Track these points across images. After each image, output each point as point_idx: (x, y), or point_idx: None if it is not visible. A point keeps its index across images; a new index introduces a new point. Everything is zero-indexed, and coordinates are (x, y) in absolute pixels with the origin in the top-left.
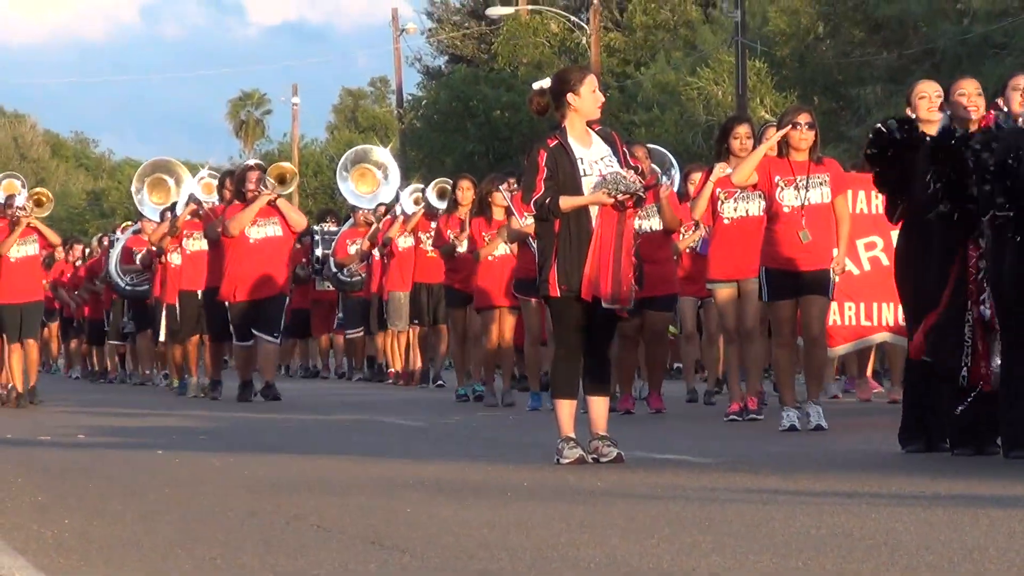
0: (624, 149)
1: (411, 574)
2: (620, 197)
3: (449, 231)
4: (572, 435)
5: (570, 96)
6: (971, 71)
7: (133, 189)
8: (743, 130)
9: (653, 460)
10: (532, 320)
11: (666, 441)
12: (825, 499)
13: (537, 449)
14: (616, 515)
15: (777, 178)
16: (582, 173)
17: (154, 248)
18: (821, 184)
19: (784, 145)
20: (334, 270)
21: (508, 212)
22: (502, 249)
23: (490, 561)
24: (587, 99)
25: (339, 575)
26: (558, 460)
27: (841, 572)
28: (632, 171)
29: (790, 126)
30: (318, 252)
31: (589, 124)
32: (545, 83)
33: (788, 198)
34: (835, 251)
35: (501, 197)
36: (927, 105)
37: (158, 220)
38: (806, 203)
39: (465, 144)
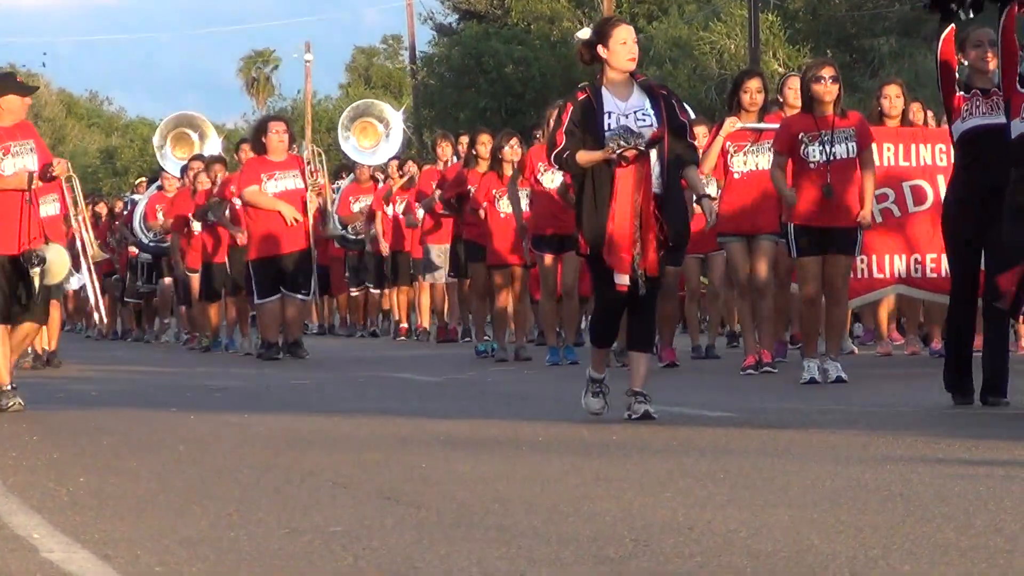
0: (672, 102)
1: (427, 529)
2: (618, 152)
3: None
4: (600, 375)
5: (600, 48)
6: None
7: (156, 143)
8: (754, 84)
9: (667, 413)
10: (548, 276)
11: (680, 394)
12: (839, 452)
13: (552, 403)
14: (631, 468)
15: (802, 134)
16: (607, 127)
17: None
18: (847, 138)
19: (809, 99)
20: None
21: (520, 167)
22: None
23: (505, 516)
24: (617, 51)
25: (355, 531)
26: (583, 397)
27: (857, 524)
28: (644, 124)
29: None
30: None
31: (634, 76)
32: (586, 33)
33: (814, 153)
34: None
35: (512, 152)
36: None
37: (179, 175)
38: (832, 158)
39: (478, 100)
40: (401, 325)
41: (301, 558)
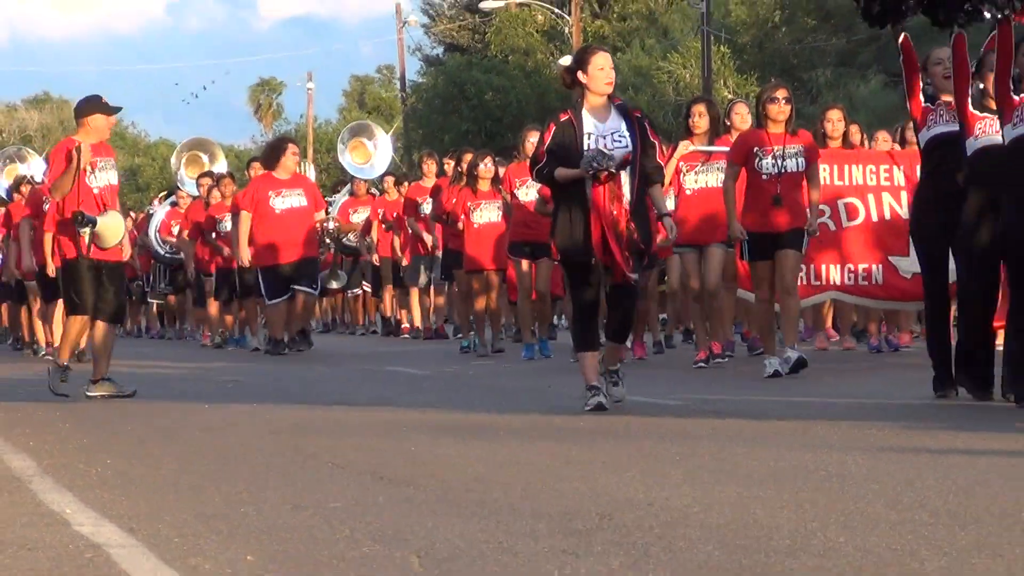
0: (644, 124)
1: (415, 505)
2: (591, 172)
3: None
4: (595, 383)
5: (580, 74)
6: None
7: (173, 164)
8: (697, 108)
9: (630, 402)
10: (524, 279)
11: (641, 385)
12: (782, 437)
13: (527, 394)
14: (598, 452)
15: (756, 148)
16: (586, 147)
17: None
18: (796, 154)
19: (764, 118)
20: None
21: (494, 183)
22: (487, 217)
23: (485, 493)
24: (595, 76)
25: (351, 507)
26: (585, 406)
27: (797, 500)
28: (619, 146)
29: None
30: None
31: (611, 99)
32: (568, 60)
33: (766, 166)
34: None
35: (486, 170)
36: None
37: (195, 192)
38: (783, 171)
39: (460, 124)
40: (403, 325)
41: (303, 531)
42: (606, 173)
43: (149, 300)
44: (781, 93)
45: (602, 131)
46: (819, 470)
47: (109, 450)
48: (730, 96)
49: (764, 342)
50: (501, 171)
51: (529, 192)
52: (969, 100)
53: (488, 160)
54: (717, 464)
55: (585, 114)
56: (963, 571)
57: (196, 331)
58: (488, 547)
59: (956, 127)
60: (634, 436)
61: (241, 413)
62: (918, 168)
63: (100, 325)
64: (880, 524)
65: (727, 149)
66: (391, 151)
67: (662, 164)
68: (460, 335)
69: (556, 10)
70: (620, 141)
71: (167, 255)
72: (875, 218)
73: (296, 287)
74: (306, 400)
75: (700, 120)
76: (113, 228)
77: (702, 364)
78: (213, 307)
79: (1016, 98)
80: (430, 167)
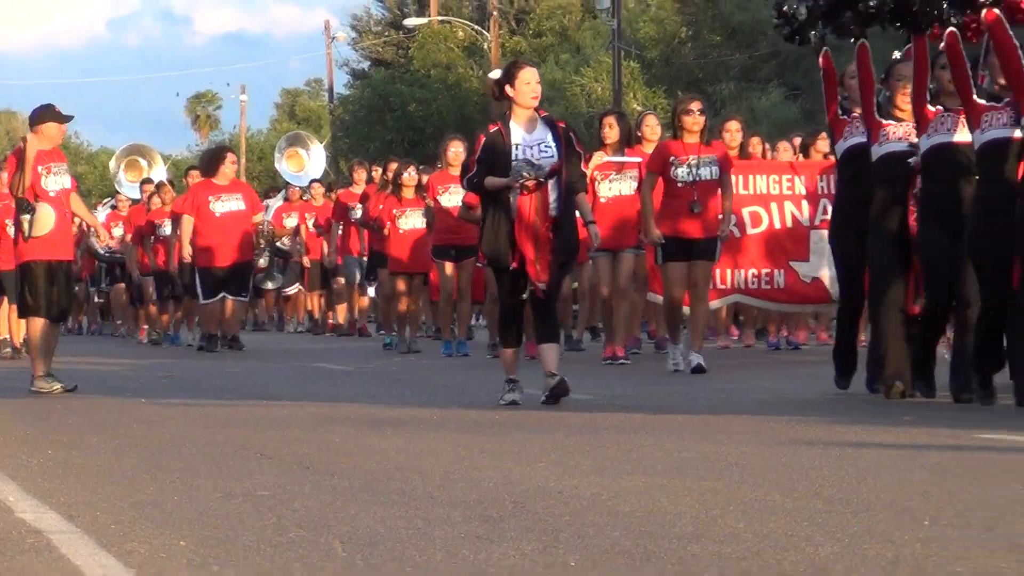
0: (569, 135)
1: (339, 493)
2: (520, 182)
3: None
4: (513, 376)
5: (508, 87)
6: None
7: (112, 168)
8: (608, 120)
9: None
10: (446, 281)
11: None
12: (685, 429)
13: (445, 389)
14: (511, 444)
15: (672, 157)
16: (514, 157)
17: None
18: (710, 163)
19: (679, 128)
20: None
21: (418, 191)
22: (412, 223)
23: (405, 482)
24: (522, 90)
25: (278, 495)
26: (500, 398)
27: (699, 489)
28: (545, 156)
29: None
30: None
31: (538, 111)
32: (496, 74)
33: (682, 174)
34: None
35: (410, 178)
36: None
37: (135, 196)
38: (697, 179)
39: (385, 134)
40: (329, 322)
41: (233, 518)
42: (534, 182)
43: (97, 300)
44: (696, 105)
45: (529, 142)
46: (720, 460)
47: (50, 441)
48: (639, 108)
49: (671, 334)
50: (424, 179)
51: (452, 199)
52: (874, 107)
53: (412, 169)
54: (624, 455)
55: (513, 125)
56: (855, 556)
57: (134, 329)
58: (407, 533)
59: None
60: (545, 428)
61: (174, 407)
62: (819, 178)
63: (46, 323)
64: (777, 511)
65: (639, 160)
66: (323, 160)
67: (586, 172)
68: (383, 333)
69: (476, 27)
70: (546, 151)
71: (107, 255)
72: (777, 225)
73: (227, 294)
74: (236, 394)
75: (611, 131)
76: (45, 217)
77: (610, 361)
78: (152, 306)
79: (932, 110)
80: (360, 175)
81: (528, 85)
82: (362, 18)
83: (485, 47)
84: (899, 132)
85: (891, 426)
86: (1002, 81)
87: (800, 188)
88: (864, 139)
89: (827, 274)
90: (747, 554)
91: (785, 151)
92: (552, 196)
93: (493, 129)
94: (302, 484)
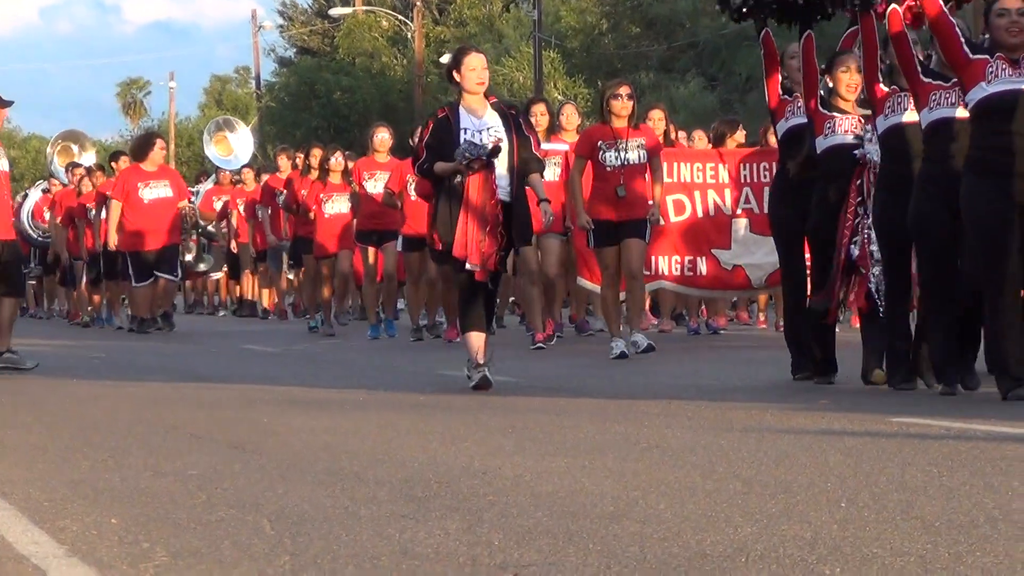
0: (519, 120)
1: (267, 472)
2: (465, 163)
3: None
4: (480, 360)
5: (455, 73)
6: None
7: (48, 153)
8: (538, 108)
9: (466, 379)
10: (369, 265)
11: None
12: (607, 412)
13: (372, 370)
14: (436, 424)
15: (600, 142)
16: (462, 141)
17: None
18: (638, 147)
19: (608, 113)
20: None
21: (344, 176)
22: (337, 208)
23: (332, 462)
24: (467, 76)
25: (209, 475)
26: (468, 377)
27: (620, 470)
28: (493, 139)
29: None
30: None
31: (487, 96)
32: (446, 59)
33: (610, 158)
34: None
35: (338, 161)
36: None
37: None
38: (625, 163)
39: (311, 120)
40: (263, 305)
41: (164, 496)
42: (480, 161)
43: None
44: (624, 90)
45: (478, 126)
46: (640, 442)
47: None
48: (560, 97)
49: (609, 326)
50: (350, 165)
51: (377, 185)
52: (817, 99)
53: (339, 155)
54: (546, 436)
55: (462, 111)
56: (773, 536)
57: (66, 310)
58: (334, 511)
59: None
60: (470, 409)
61: (106, 387)
62: (741, 166)
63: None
64: (697, 492)
65: (564, 147)
66: (252, 145)
67: (539, 155)
68: (308, 316)
69: (400, 16)
70: (495, 136)
71: (39, 239)
72: (700, 214)
73: (158, 273)
74: (166, 375)
75: (541, 119)
76: None
77: (541, 346)
78: (85, 289)
79: (885, 89)
80: (284, 162)
81: (474, 71)
82: (289, 6)
83: (409, 36)
84: (845, 125)
85: (808, 410)
86: (1012, 40)
87: (724, 176)
88: (804, 120)
89: (748, 261)
90: (668, 534)
91: (700, 139)
92: (502, 180)
93: (441, 115)
94: (231, 464)
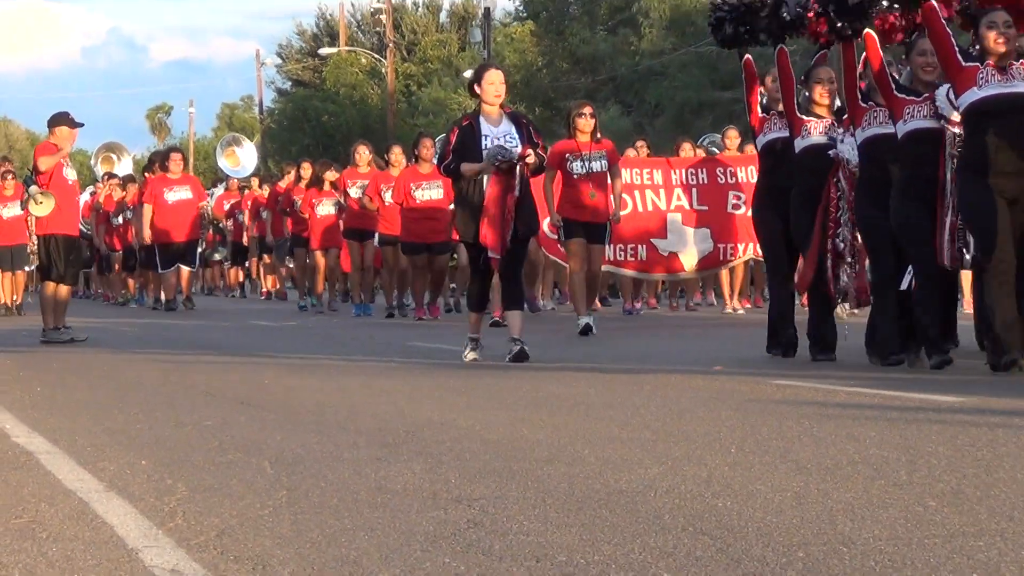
0: (530, 127)
1: (268, 423)
2: (495, 164)
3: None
4: (476, 336)
5: (476, 87)
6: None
7: (92, 162)
8: None
9: (432, 349)
10: (355, 255)
11: (439, 337)
12: (542, 374)
13: (354, 342)
14: (402, 384)
15: (567, 154)
16: (484, 146)
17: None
18: (601, 158)
19: (573, 129)
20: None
21: (333, 185)
22: (326, 210)
23: (320, 415)
24: (486, 89)
25: (219, 425)
26: (463, 356)
27: (552, 423)
28: (511, 145)
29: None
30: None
31: (503, 107)
32: (469, 74)
33: (576, 168)
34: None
35: (331, 173)
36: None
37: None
38: (590, 172)
39: (304, 139)
40: (263, 290)
41: (184, 442)
42: (508, 163)
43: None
44: (587, 109)
45: (496, 133)
46: (569, 399)
47: (38, 381)
48: None
49: (576, 304)
50: (337, 175)
51: (358, 192)
52: (796, 105)
53: (332, 170)
54: (493, 394)
55: (482, 120)
56: (676, 476)
57: (99, 292)
58: (322, 455)
59: (787, 133)
60: (431, 373)
61: (137, 355)
62: (686, 171)
63: (57, 286)
64: (614, 440)
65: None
66: (255, 158)
67: (544, 156)
68: (299, 298)
69: (375, 55)
70: (512, 142)
71: (85, 232)
72: (640, 209)
73: (181, 264)
74: (187, 345)
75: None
76: (46, 203)
77: (498, 321)
78: (120, 275)
79: (864, 106)
80: (289, 173)
81: (492, 85)
82: (286, 47)
83: (383, 71)
84: (819, 128)
85: (704, 375)
86: (925, 77)
87: (658, 179)
88: (781, 134)
89: (683, 250)
90: (591, 474)
91: (642, 148)
92: (517, 181)
93: (465, 123)
94: (239, 416)
